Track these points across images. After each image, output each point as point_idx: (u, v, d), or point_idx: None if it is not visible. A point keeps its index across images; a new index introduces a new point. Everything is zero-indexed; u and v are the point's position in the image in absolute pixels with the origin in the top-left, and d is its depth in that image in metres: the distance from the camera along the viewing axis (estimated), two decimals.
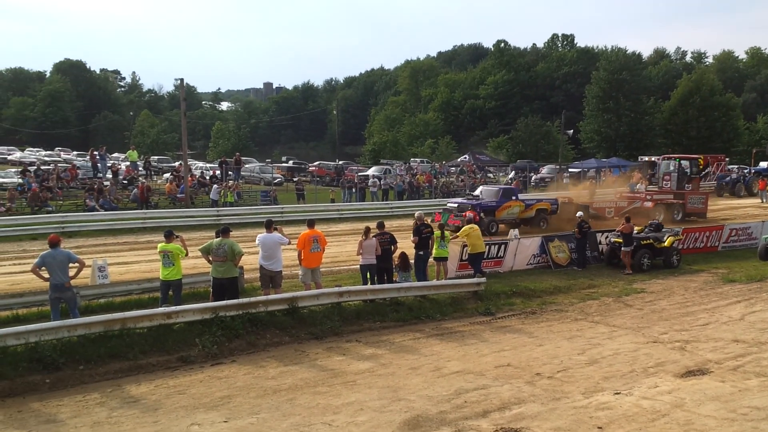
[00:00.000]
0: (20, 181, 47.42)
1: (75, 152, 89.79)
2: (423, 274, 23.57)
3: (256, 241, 20.22)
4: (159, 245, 19.18)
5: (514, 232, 29.90)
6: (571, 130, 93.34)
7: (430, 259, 24.17)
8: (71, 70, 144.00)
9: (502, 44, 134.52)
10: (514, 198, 38.80)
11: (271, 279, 20.12)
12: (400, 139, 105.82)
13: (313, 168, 74.40)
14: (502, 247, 27.34)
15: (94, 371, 15.73)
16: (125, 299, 20.68)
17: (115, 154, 79.38)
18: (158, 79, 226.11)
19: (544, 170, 71.37)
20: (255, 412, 13.78)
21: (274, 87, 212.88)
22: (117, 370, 15.95)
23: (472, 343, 18.78)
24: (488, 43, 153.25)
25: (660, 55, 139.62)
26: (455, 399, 14.40)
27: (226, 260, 18.87)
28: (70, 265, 17.55)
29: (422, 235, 23.57)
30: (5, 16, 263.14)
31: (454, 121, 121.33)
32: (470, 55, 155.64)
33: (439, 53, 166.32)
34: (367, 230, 22.15)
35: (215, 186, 48.98)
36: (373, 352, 17.90)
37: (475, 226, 25.32)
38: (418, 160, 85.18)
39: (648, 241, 29.25)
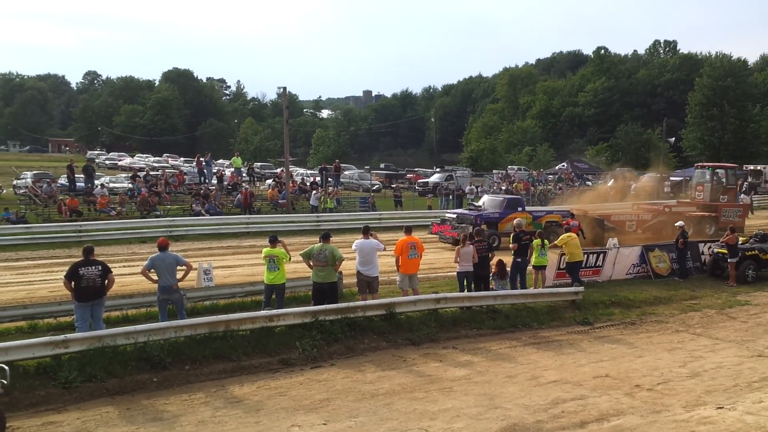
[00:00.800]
0: (130, 186, 48.97)
1: (182, 158, 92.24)
2: (521, 282, 23.38)
3: (353, 247, 20.39)
4: (264, 250, 19.51)
5: (613, 241, 29.34)
6: (673, 138, 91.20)
7: (529, 267, 23.97)
8: (179, 78, 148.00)
9: (602, 51, 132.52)
10: (520, 209, 36.66)
11: (368, 284, 20.26)
12: (498, 146, 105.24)
13: (411, 175, 74.58)
14: (601, 256, 26.91)
15: (199, 371, 16.11)
16: (229, 302, 21.11)
17: (220, 161, 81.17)
18: (262, 87, 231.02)
19: (644, 178, 69.49)
20: (353, 415, 13.90)
21: (373, 95, 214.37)
22: (221, 370, 16.30)
23: (569, 352, 18.55)
24: (588, 50, 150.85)
25: (766, 61, 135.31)
26: (552, 409, 14.25)
27: (326, 265, 19.10)
28: (178, 267, 18.06)
29: (521, 242, 23.40)
30: (118, 28, 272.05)
31: (552, 128, 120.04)
32: (569, 62, 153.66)
33: (538, 60, 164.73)
34: (464, 238, 22.12)
35: (315, 192, 49.61)
36: (470, 359, 17.85)
37: (573, 235, 25.01)
38: (515, 167, 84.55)
39: (753, 252, 28.33)
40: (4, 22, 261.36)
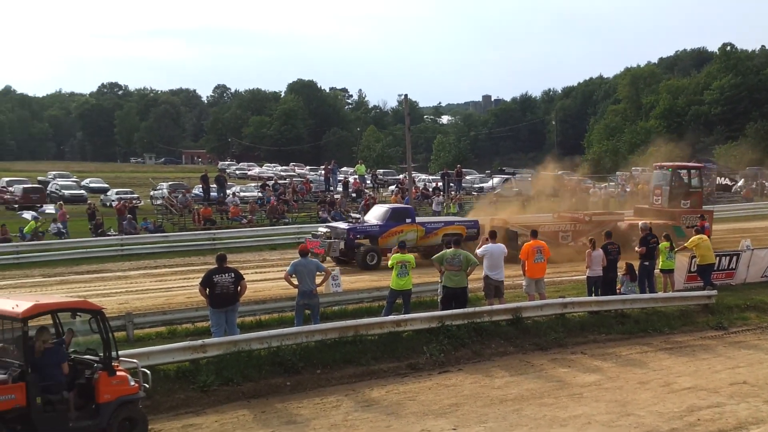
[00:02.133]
0: (260, 194, 50.06)
1: (307, 167, 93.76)
2: (649, 286, 22.68)
3: (481, 251, 20.15)
4: (394, 255, 19.45)
5: (746, 243, 28.06)
6: None
7: (656, 271, 23.22)
8: (304, 89, 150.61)
9: (729, 47, 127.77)
10: (408, 221, 31.39)
11: (495, 289, 20.04)
12: (621, 147, 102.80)
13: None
14: (734, 258, 25.80)
15: (330, 375, 16.27)
16: (356, 307, 21.24)
17: (344, 168, 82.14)
18: (382, 95, 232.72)
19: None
20: (482, 420, 13.75)
21: (492, 99, 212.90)
22: (351, 374, 16.41)
23: (703, 358, 17.88)
24: (713, 47, 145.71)
25: None
26: (687, 416, 13.75)
27: (460, 270, 18.98)
28: (316, 273, 18.32)
29: (649, 245, 22.69)
30: (245, 42, 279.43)
31: (677, 128, 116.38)
32: (693, 60, 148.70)
33: (661, 59, 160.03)
34: (594, 241, 21.62)
35: (437, 197, 49.55)
36: (599, 364, 17.43)
37: (705, 236, 24.09)
38: (639, 169, 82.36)
39: None
40: (139, 39, 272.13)
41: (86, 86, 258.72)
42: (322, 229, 32.09)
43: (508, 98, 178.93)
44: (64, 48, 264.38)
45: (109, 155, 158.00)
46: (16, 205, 52.66)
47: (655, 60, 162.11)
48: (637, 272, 22.47)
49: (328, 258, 29.95)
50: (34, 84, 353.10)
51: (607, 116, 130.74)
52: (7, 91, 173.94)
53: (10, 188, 59.05)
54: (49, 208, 46.83)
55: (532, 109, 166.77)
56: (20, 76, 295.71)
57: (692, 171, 37.17)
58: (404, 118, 51.69)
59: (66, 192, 60.07)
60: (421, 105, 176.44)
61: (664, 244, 22.97)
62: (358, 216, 33.76)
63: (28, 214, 43.86)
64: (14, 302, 12.43)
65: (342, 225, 31.44)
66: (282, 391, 15.52)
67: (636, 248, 22.81)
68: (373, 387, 15.84)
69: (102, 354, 12.66)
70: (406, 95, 52.55)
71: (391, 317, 18.58)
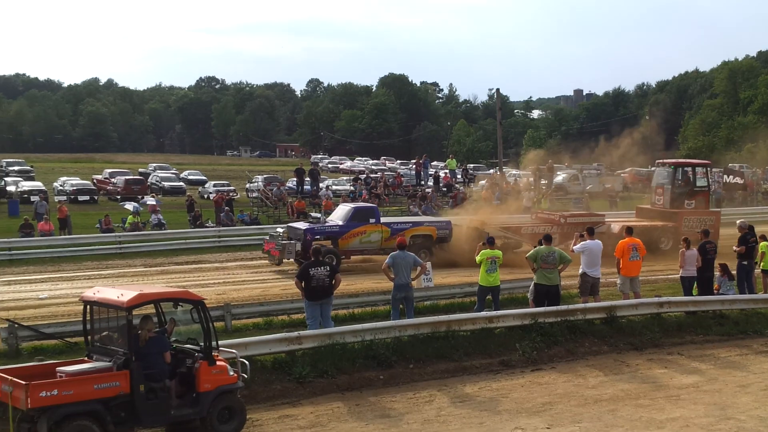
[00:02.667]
0: (351, 188, 50.35)
1: (398, 161, 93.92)
2: (748, 287, 21.91)
3: (579, 248, 19.74)
4: (483, 251, 19.21)
5: None
6: None
7: (756, 271, 22.41)
8: (395, 83, 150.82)
9: None
10: (372, 221, 29.16)
11: (592, 286, 19.67)
12: (717, 143, 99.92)
13: (625, 174, 72.17)
14: None
15: (422, 370, 16.22)
16: (448, 302, 21.14)
17: (434, 163, 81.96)
18: (473, 90, 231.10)
19: None
20: (576, 420, 13.51)
21: (584, 93, 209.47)
22: (443, 370, 16.33)
23: None
24: None
25: None
26: None
27: (554, 267, 18.70)
28: (413, 266, 18.34)
29: (748, 245, 21.91)
30: (338, 36, 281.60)
31: None
32: None
33: (759, 53, 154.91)
34: (688, 240, 21.02)
35: (528, 193, 48.94)
36: (697, 366, 16.94)
37: None
38: (737, 165, 79.92)
39: None
40: (236, 34, 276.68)
41: (185, 80, 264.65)
42: (279, 229, 30.35)
43: (600, 92, 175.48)
44: (164, 43, 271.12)
45: (206, 148, 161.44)
46: (119, 196, 54.22)
47: (753, 53, 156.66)
48: (734, 272, 21.77)
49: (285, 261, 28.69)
50: (136, 78, 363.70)
51: (703, 111, 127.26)
52: (110, 84, 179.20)
53: (113, 179, 60.86)
54: (150, 200, 48.01)
55: (625, 104, 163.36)
56: (122, 70, 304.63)
57: (698, 168, 33.73)
58: (494, 113, 51.28)
59: (166, 184, 61.60)
60: (511, 99, 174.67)
61: (763, 244, 22.16)
62: (318, 216, 31.48)
63: (129, 205, 45.11)
64: (119, 291, 12.74)
65: (300, 225, 29.25)
66: (375, 385, 15.54)
67: (734, 248, 22.05)
68: (466, 383, 15.72)
69: (202, 344, 12.89)
70: (497, 89, 52.18)
71: (483, 313, 18.44)
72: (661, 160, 35.87)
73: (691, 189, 32.60)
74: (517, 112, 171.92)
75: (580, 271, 19.73)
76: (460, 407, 14.31)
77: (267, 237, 30.25)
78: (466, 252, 27.40)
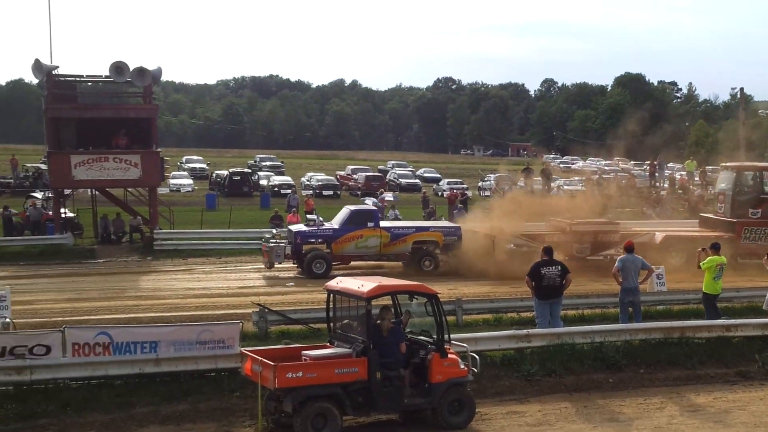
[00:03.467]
0: (583, 188, 49.27)
1: (632, 162, 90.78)
2: None
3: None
4: (713, 258, 18.02)
5: None
6: None
7: None
8: (631, 83, 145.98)
9: None
10: (370, 225, 27.27)
11: None
12: None
13: None
14: None
15: (653, 376, 15.64)
16: (682, 308, 20.21)
17: (670, 164, 78.48)
18: (714, 89, 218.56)
19: None
20: None
21: None
22: (675, 377, 15.67)
23: None
24: None
25: None
26: None
27: None
28: (640, 270, 17.79)
29: None
30: (575, 36, 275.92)
31: None
32: None
33: None
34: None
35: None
36: None
37: None
38: None
39: None
40: (472, 36, 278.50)
41: (423, 81, 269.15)
42: (275, 231, 29.73)
43: None
44: (405, 45, 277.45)
45: (441, 147, 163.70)
46: (359, 192, 56.26)
47: None
48: None
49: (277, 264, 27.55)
50: (377, 79, 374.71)
51: None
52: (354, 85, 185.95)
53: (354, 176, 63.29)
54: (388, 196, 49.42)
55: None
56: (365, 72, 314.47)
57: (765, 173, 28.77)
58: (736, 113, 48.34)
59: (403, 180, 63.19)
60: (756, 99, 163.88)
61: None
62: (314, 218, 30.02)
63: (369, 200, 46.64)
64: (360, 282, 13.24)
65: (296, 228, 28.24)
66: (603, 387, 15.15)
67: None
68: (699, 392, 14.99)
69: (435, 336, 13.12)
70: (741, 89, 49.13)
71: (720, 321, 17.47)
72: (725, 163, 31.52)
73: (756, 196, 28.11)
74: (761, 112, 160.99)
75: None
76: (692, 417, 13.67)
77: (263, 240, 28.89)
78: (476, 259, 26.26)
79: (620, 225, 28.29)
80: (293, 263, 27.62)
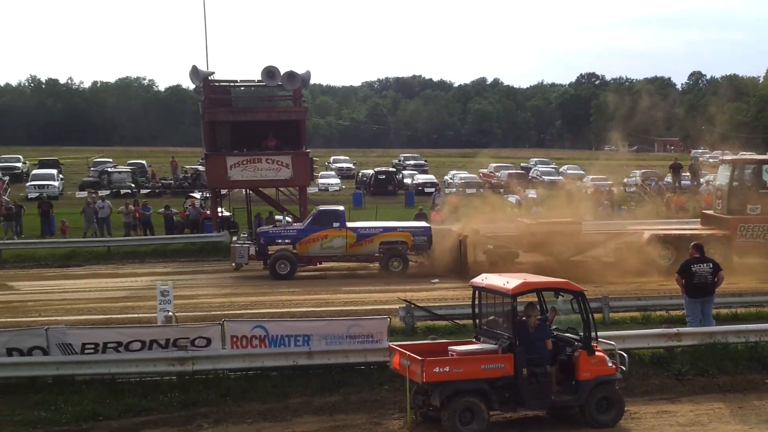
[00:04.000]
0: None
1: None
2: None
3: None
4: None
5: None
6: None
7: None
8: None
9: None
10: (336, 225, 26.41)
11: None
12: None
13: None
14: None
15: None
16: None
17: None
18: None
19: None
20: None
21: None
22: None
23: None
24: None
25: None
26: None
27: None
28: None
29: None
30: (723, 27, 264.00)
31: None
32: None
33: None
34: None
35: None
36: None
37: None
38: None
39: None
40: (614, 30, 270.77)
41: (566, 77, 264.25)
42: (245, 234, 29.38)
43: None
44: (547, 42, 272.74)
45: (584, 143, 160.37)
46: (501, 189, 55.81)
47: None
48: None
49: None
50: (519, 76, 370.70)
51: None
52: (496, 83, 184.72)
53: (497, 173, 62.86)
54: (531, 193, 48.81)
55: None
56: (507, 70, 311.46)
57: (765, 167, 26.39)
58: None
59: (546, 178, 62.27)
60: None
61: None
62: (280, 218, 29.67)
63: (512, 198, 46.19)
64: (505, 279, 13.14)
65: (269, 229, 28.21)
66: (760, 388, 14.47)
67: None
68: None
69: (582, 333, 12.88)
70: None
71: None
72: (724, 157, 29.54)
73: (756, 191, 25.90)
74: None
75: None
76: None
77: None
78: (446, 260, 25.81)
79: (581, 225, 26.55)
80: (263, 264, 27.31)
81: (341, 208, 29.32)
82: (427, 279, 25.48)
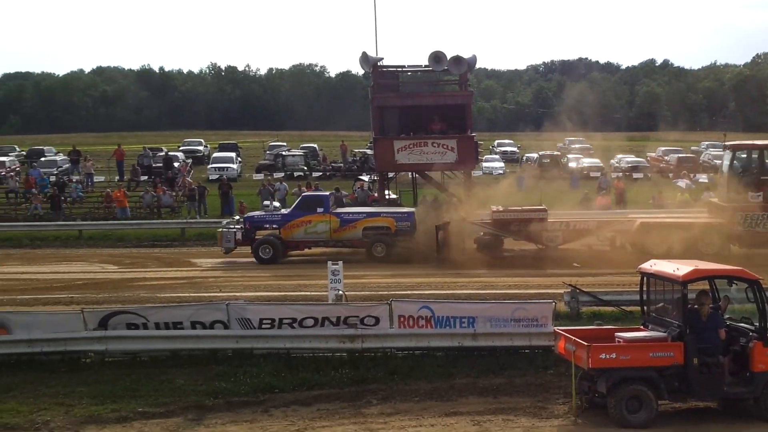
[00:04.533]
0: None
1: None
2: None
3: None
4: None
5: None
6: None
7: None
8: None
9: None
10: (320, 210, 26.09)
11: None
12: None
13: None
14: None
15: None
16: None
17: None
18: None
19: None
20: None
21: None
22: None
23: None
24: None
25: None
26: None
27: None
28: None
29: None
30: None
31: None
32: None
33: None
34: None
35: None
36: None
37: None
38: None
39: None
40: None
41: (741, 57, 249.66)
42: (237, 217, 29.18)
43: None
44: (720, 22, 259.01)
45: (760, 125, 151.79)
46: (671, 174, 53.66)
47: None
48: None
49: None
50: (690, 57, 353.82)
51: None
52: (665, 65, 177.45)
53: (666, 157, 60.49)
54: (702, 177, 46.73)
55: None
56: (677, 50, 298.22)
57: (766, 152, 24.69)
58: None
59: (717, 162, 59.32)
60: None
61: None
62: (268, 203, 29.37)
63: (681, 182, 44.40)
64: (675, 265, 12.72)
65: (255, 213, 28.12)
66: None
67: None
68: None
69: (757, 324, 12.28)
70: None
71: None
72: (727, 142, 28.42)
73: (756, 177, 24.41)
74: None
75: None
76: None
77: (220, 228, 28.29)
78: (427, 247, 25.29)
79: (547, 212, 26.00)
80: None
81: (326, 193, 29.83)
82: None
